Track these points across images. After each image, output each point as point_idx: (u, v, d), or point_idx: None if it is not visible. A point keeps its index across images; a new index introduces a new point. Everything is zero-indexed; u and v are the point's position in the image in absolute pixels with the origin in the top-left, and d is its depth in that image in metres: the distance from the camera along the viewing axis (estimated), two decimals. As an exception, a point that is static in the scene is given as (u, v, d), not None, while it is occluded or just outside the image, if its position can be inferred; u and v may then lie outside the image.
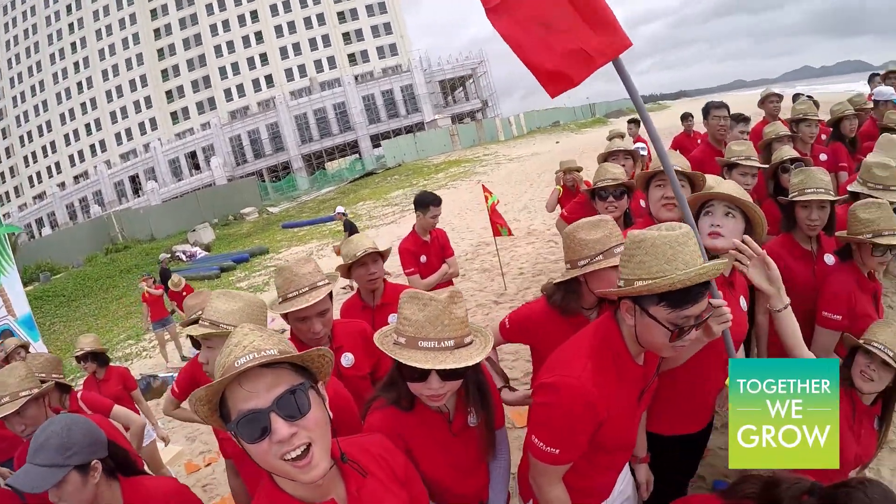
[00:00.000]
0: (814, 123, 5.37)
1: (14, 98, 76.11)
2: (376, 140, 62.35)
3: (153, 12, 72.10)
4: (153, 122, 71.84)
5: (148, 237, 32.98)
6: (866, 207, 3.07)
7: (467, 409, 2.19)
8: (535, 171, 27.79)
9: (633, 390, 2.12)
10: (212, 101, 71.02)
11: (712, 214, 2.67)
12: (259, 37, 72.10)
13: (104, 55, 72.55)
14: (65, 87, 73.79)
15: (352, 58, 73.33)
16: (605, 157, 4.56)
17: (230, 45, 71.46)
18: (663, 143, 2.92)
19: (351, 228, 12.37)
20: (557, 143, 43.63)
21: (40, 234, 64.57)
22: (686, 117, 9.04)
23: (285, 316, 3.00)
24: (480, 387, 2.15)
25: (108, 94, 72.45)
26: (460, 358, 1.87)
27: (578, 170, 6.82)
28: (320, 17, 73.75)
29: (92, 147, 73.15)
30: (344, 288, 11.64)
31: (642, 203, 3.95)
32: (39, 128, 74.88)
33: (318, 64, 72.51)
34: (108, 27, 72.39)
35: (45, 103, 74.53)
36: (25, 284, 9.86)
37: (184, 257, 24.22)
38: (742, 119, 5.87)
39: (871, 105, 6.71)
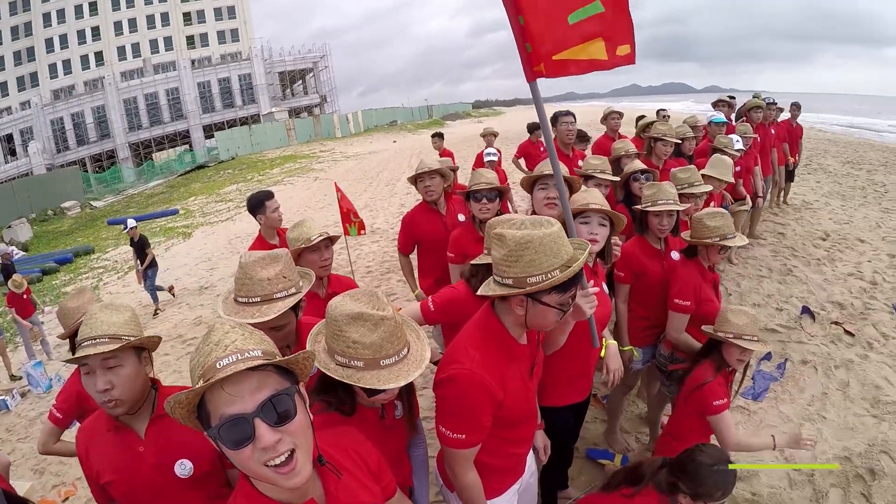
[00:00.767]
0: (669, 143, 5.77)
1: None
2: (209, 131, 60.14)
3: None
4: None
5: None
6: (712, 217, 3.64)
7: (395, 403, 2.28)
8: (373, 170, 27.66)
9: (524, 367, 2.29)
10: (34, 76, 62.48)
11: (590, 223, 3.12)
12: (93, 7, 63.70)
13: None
14: None
15: (190, 40, 67.97)
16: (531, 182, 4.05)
17: (60, 13, 63.01)
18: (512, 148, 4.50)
19: (141, 245, 10.96)
20: (395, 142, 44.09)
21: None
22: (535, 127, 9.63)
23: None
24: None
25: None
26: (418, 359, 1.94)
27: (454, 169, 6.62)
28: (162, -8, 67.24)
29: None
30: None
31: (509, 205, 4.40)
32: None
33: (153, 44, 66.13)
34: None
35: None
36: None
37: None
38: (585, 139, 6.74)
39: (703, 123, 7.68)
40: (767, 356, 5.72)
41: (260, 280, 2.35)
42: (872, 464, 4.22)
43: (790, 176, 11.15)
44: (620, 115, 7.81)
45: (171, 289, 11.49)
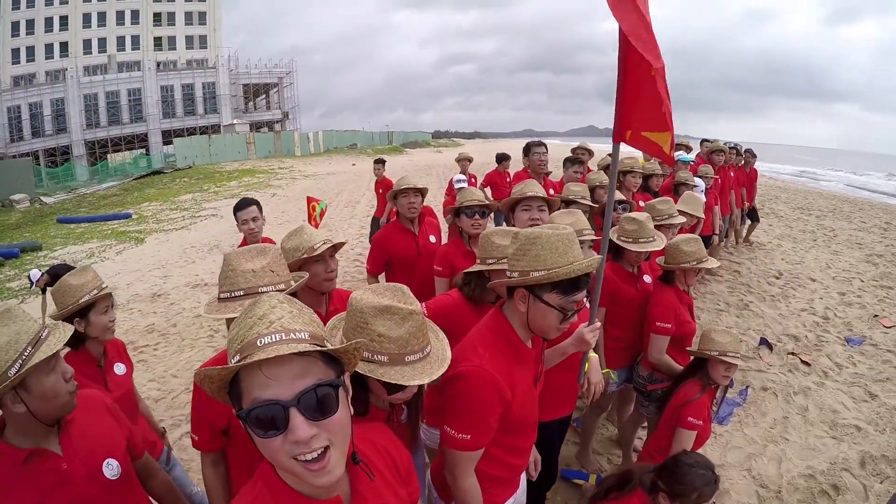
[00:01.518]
0: (638, 175, 6.01)
1: None
2: (168, 136, 58.49)
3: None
4: None
5: None
6: (687, 242, 3.77)
7: (402, 406, 2.23)
8: (332, 190, 27.25)
9: (529, 372, 2.28)
10: None
11: (530, 210, 3.70)
12: (64, -5, 60.85)
13: None
14: None
15: (158, 42, 66.71)
16: (513, 205, 4.09)
17: (30, -2, 60.11)
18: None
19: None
20: (354, 165, 43.52)
21: None
22: (504, 157, 10.26)
23: (77, 320, 2.87)
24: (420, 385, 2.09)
25: None
26: (440, 359, 1.90)
27: (420, 190, 6.01)
28: (135, -11, 64.51)
29: None
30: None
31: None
32: None
33: (120, 41, 64.66)
34: None
35: None
36: None
37: None
38: (577, 161, 6.64)
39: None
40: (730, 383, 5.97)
41: (244, 272, 2.22)
42: (835, 480, 4.50)
43: (754, 216, 11.79)
44: (590, 151, 8.19)
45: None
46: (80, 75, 58.59)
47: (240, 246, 4.64)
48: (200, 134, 56.87)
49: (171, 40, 68.19)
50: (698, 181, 7.25)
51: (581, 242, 3.14)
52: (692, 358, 3.67)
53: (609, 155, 4.49)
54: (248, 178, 34.75)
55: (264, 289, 2.19)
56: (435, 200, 14.58)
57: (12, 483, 1.85)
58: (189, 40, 69.45)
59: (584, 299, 2.23)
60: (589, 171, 7.12)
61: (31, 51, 61.48)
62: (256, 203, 5.06)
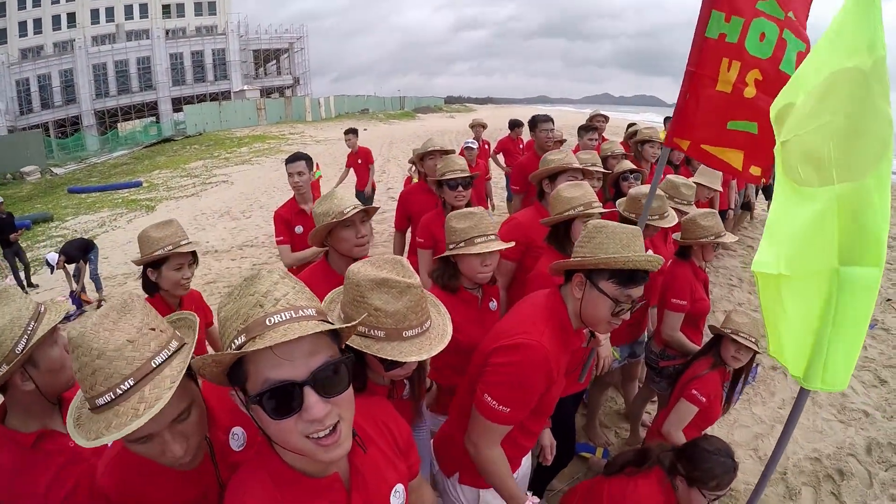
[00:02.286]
0: (657, 145, 5.84)
1: None
2: (178, 104, 58.00)
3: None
4: None
5: None
6: (705, 217, 3.76)
7: (404, 383, 2.20)
8: (343, 156, 23.18)
9: (566, 362, 2.28)
10: (3, 33, 58.36)
11: (575, 179, 3.69)
12: (70, -33, 59.89)
13: None
14: None
15: (166, 9, 65.09)
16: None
17: (38, -29, 58.78)
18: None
19: (77, 255, 9.56)
20: (365, 130, 42.29)
21: None
22: (517, 124, 9.97)
23: (150, 270, 3.07)
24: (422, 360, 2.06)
25: None
26: (441, 334, 1.84)
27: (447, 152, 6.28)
28: (143, -43, 63.43)
29: None
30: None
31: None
32: None
33: (128, 10, 63.10)
34: None
35: None
36: None
37: None
38: (592, 129, 6.52)
39: None
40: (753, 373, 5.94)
41: (117, 350, 1.36)
42: (841, 465, 4.47)
43: (770, 193, 10.96)
44: (606, 118, 7.98)
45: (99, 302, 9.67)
46: (88, 45, 58.08)
47: (287, 203, 4.91)
48: (211, 101, 56.87)
49: (180, 7, 67.04)
50: None
51: (588, 216, 3.11)
52: (711, 336, 3.60)
53: (630, 125, 5.13)
54: (259, 144, 34.63)
55: (157, 360, 1.40)
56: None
57: (24, 468, 1.85)
58: (198, 7, 68.35)
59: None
60: (604, 139, 6.95)
61: (38, 23, 60.72)
62: (305, 158, 4.92)
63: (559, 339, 2.17)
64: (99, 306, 9.21)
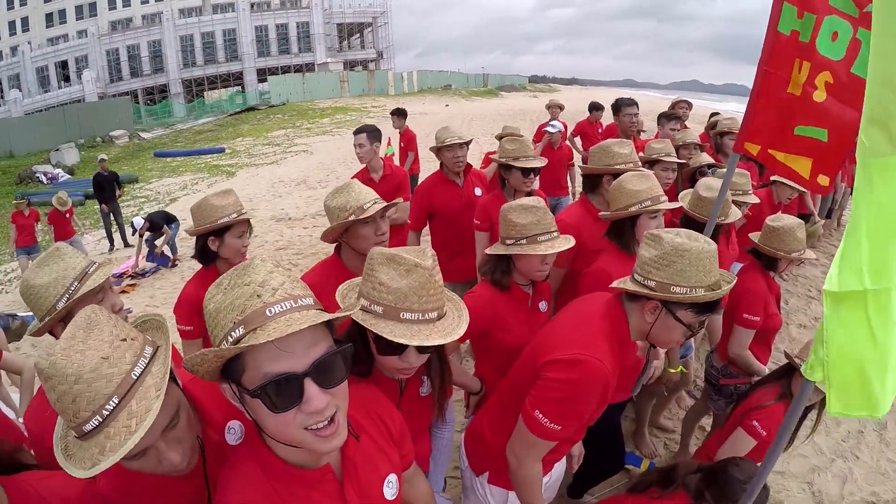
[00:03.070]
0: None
1: None
2: (262, 74, 60.16)
3: None
4: (25, 21, 62.17)
5: (6, 153, 29.95)
6: (801, 228, 3.48)
7: (421, 379, 2.14)
8: (423, 131, 26.51)
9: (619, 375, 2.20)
10: (93, 6, 62.20)
11: (667, 170, 3.91)
12: (158, -59, 63.04)
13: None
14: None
15: None
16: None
17: (127, -55, 62.27)
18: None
19: (160, 222, 10.08)
20: (447, 106, 44.22)
21: None
22: (597, 107, 9.72)
23: (212, 238, 3.06)
24: (441, 357, 2.07)
25: (-23, -18, 62.05)
26: (445, 331, 1.73)
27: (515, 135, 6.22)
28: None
29: None
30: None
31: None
32: None
33: None
34: None
35: None
36: None
37: (44, 179, 22.43)
38: (675, 117, 6.27)
39: None
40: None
41: (94, 371, 1.27)
42: None
43: None
44: (689, 105, 7.68)
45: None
46: (175, 18, 60.43)
47: (360, 171, 5.11)
48: (295, 72, 57.54)
49: (265, -19, 68.97)
50: None
51: (656, 212, 3.02)
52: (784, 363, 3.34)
53: (713, 114, 5.10)
54: (341, 116, 35.63)
55: (136, 370, 1.27)
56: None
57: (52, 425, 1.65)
58: (283, -20, 69.92)
59: None
60: (684, 128, 6.54)
61: None
62: (368, 131, 5.01)
63: (617, 356, 2.07)
64: (174, 265, 10.30)
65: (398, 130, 10.13)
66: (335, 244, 2.88)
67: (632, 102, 6.27)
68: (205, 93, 58.35)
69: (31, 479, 1.69)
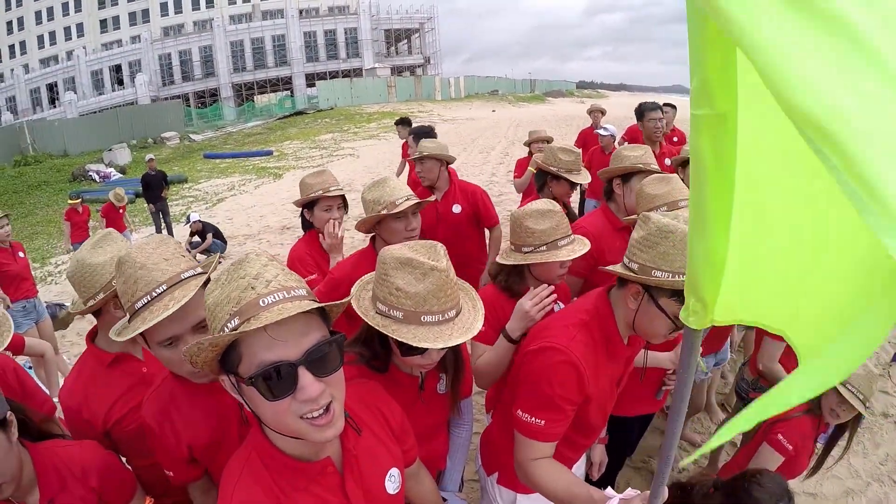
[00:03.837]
0: None
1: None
2: (311, 79, 61.73)
3: None
4: (80, 27, 65.13)
5: (61, 152, 30.57)
6: None
7: (439, 376, 2.12)
8: (469, 136, 27.78)
9: (615, 373, 2.14)
10: (146, 13, 65.09)
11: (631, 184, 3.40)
12: (210, -50, 66.78)
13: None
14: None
15: None
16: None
17: (178, -48, 65.39)
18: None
19: (209, 232, 10.43)
20: (493, 111, 44.31)
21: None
22: (644, 111, 9.28)
23: (306, 210, 3.38)
24: (458, 354, 2.08)
25: (36, -10, 65.44)
26: (465, 328, 1.73)
27: (549, 140, 6.43)
28: (277, -61, 68.41)
29: (11, 48, 66.25)
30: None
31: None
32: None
33: None
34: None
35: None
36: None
37: (97, 177, 23.03)
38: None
39: None
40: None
41: (156, 264, 1.78)
42: None
43: None
44: None
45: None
46: (226, 24, 62.21)
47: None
48: (343, 77, 59.16)
49: (313, -11, 70.69)
50: None
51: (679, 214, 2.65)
52: None
53: None
54: (388, 121, 35.58)
55: (186, 274, 1.74)
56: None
57: (99, 382, 2.15)
58: (330, -12, 71.28)
59: None
60: None
61: (178, 3, 66.35)
62: (402, 122, 5.59)
63: (599, 348, 1.99)
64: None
65: (404, 140, 9.69)
66: (370, 235, 3.08)
67: (655, 107, 6.10)
68: (254, 97, 59.73)
69: (56, 445, 1.90)
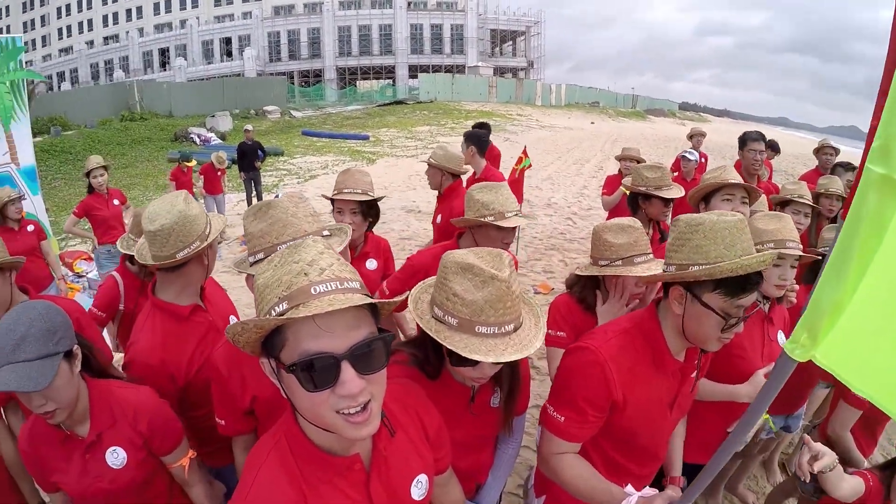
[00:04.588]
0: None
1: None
2: (413, 71, 62.05)
3: None
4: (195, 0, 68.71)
5: (166, 113, 31.90)
6: None
7: (493, 389, 2.03)
8: (565, 145, 27.56)
9: (666, 388, 2.02)
10: None
11: (732, 200, 3.37)
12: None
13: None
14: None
15: None
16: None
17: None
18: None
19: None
20: (592, 123, 43.75)
21: (59, 87, 62.26)
22: (747, 141, 8.95)
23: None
24: (515, 370, 1.97)
25: (156, -41, 69.37)
26: (523, 344, 1.61)
27: (638, 161, 6.23)
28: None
29: (128, 12, 69.99)
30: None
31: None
32: (78, -19, 71.45)
33: None
34: None
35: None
36: (34, 135, 9.41)
37: (197, 140, 23.80)
38: (850, 168, 5.80)
39: None
40: None
41: (298, 220, 2.01)
42: None
43: None
44: (836, 150, 7.17)
45: None
46: (335, 9, 63.93)
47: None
48: (445, 72, 58.73)
49: (423, -18, 71.96)
50: None
51: (784, 257, 2.73)
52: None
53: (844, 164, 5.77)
54: (485, 120, 35.54)
55: (325, 232, 2.09)
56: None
57: (178, 335, 2.23)
58: (441, -17, 72.31)
59: (760, 303, 2.43)
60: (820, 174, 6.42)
61: None
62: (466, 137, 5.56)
63: (642, 357, 1.91)
64: None
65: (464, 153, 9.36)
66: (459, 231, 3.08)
67: (759, 137, 5.64)
68: (357, 82, 61.07)
69: (113, 385, 2.01)
